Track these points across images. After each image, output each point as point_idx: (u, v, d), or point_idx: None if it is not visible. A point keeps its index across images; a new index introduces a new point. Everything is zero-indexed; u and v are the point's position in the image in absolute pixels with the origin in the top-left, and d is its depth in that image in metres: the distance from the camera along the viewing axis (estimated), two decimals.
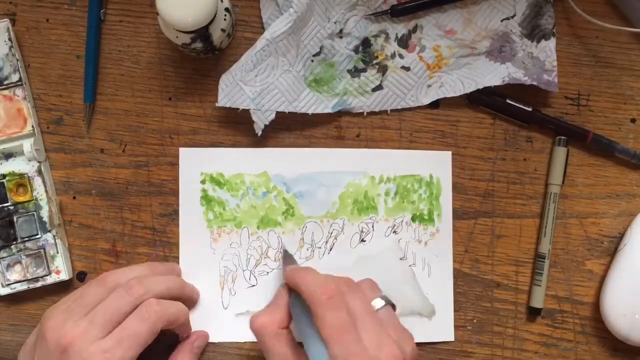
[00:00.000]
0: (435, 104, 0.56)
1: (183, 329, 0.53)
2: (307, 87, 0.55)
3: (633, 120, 0.57)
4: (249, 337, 0.55)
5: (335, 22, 0.55)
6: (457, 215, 0.56)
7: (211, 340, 0.55)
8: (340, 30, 0.55)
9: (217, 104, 0.53)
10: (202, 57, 0.56)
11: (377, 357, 0.43)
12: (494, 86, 0.55)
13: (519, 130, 0.56)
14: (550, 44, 0.55)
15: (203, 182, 0.55)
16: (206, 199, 0.55)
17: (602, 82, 0.57)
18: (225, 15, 0.51)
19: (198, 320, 0.55)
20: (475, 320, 0.56)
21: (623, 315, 0.53)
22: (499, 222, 0.56)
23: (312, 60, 0.55)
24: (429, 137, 0.56)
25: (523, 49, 0.55)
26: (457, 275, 0.56)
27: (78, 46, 0.56)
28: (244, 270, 0.55)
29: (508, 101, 0.56)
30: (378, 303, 0.46)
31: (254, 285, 0.55)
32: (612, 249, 0.56)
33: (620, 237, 0.56)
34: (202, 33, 0.50)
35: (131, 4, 0.56)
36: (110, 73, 0.56)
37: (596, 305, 0.55)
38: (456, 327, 0.56)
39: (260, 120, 0.53)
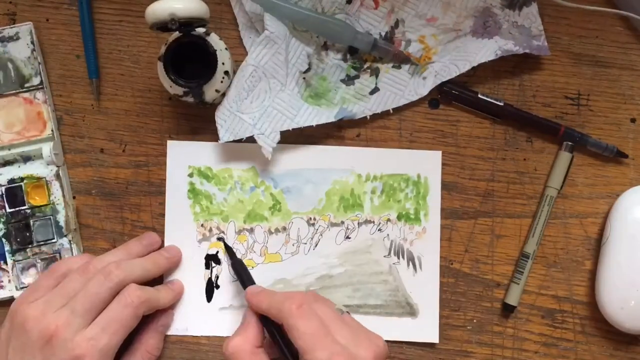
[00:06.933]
0: (435, 104, 0.56)
1: (165, 312, 0.54)
2: (304, 103, 0.55)
3: (633, 120, 0.57)
4: (232, 331, 0.55)
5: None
6: (457, 215, 0.56)
7: (194, 334, 0.55)
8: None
9: (219, 141, 0.53)
10: None
11: (358, 353, 0.44)
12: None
13: (519, 130, 0.56)
14: (533, 9, 0.55)
15: (190, 175, 0.55)
16: (193, 192, 0.55)
17: (602, 82, 0.57)
18: (223, 78, 0.51)
19: (181, 314, 0.55)
20: (475, 320, 0.56)
21: (621, 309, 0.53)
22: (499, 222, 0.56)
23: (304, 78, 0.55)
24: (429, 137, 0.56)
25: (507, 19, 0.55)
26: (457, 275, 0.56)
27: (78, 46, 0.56)
28: (228, 265, 0.55)
29: (480, 96, 0.55)
30: (340, 310, 0.48)
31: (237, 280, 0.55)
32: None
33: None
34: (195, 89, 0.50)
35: (131, 4, 0.56)
36: (110, 73, 0.56)
37: (596, 305, 0.55)
38: (456, 327, 0.56)
39: (267, 144, 0.53)
